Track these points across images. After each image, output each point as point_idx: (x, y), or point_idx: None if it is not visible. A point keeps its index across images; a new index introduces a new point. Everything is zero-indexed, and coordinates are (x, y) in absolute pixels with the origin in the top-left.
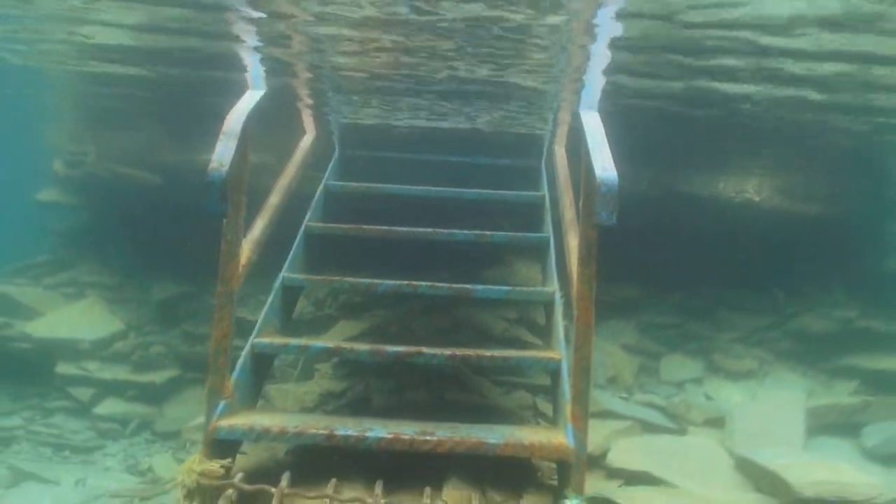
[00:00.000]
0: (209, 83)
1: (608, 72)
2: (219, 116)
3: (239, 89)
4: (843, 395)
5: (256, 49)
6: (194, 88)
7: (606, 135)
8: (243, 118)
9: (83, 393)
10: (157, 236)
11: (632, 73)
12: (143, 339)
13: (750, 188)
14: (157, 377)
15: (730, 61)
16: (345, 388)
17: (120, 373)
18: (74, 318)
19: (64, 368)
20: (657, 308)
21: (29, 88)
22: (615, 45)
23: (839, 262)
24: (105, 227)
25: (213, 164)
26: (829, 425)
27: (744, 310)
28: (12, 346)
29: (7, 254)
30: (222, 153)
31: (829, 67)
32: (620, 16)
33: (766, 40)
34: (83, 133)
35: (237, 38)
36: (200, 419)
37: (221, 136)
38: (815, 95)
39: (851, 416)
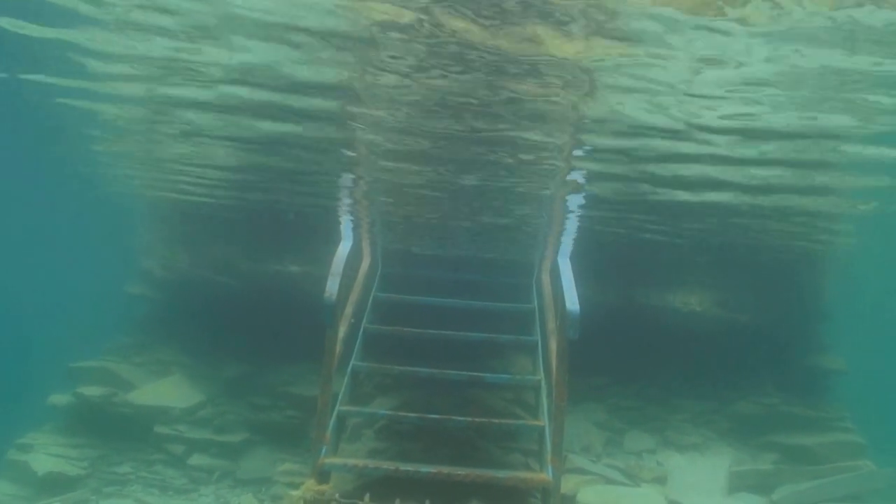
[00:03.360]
0: (288, 219)
1: (579, 229)
2: (288, 240)
3: (309, 225)
4: (764, 463)
5: (349, 210)
6: (274, 218)
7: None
8: (343, 262)
9: (176, 448)
10: (227, 327)
11: (598, 224)
12: (219, 409)
13: (693, 300)
14: (233, 438)
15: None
16: (385, 447)
17: (204, 433)
18: (166, 390)
19: (161, 429)
20: (623, 394)
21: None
22: (582, 220)
23: (767, 359)
24: (185, 318)
25: (327, 294)
26: (750, 485)
27: (691, 397)
28: (118, 410)
29: (91, 335)
30: (332, 286)
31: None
32: (586, 199)
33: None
34: (174, 240)
35: (335, 202)
36: (284, 466)
37: (330, 276)
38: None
39: (767, 479)
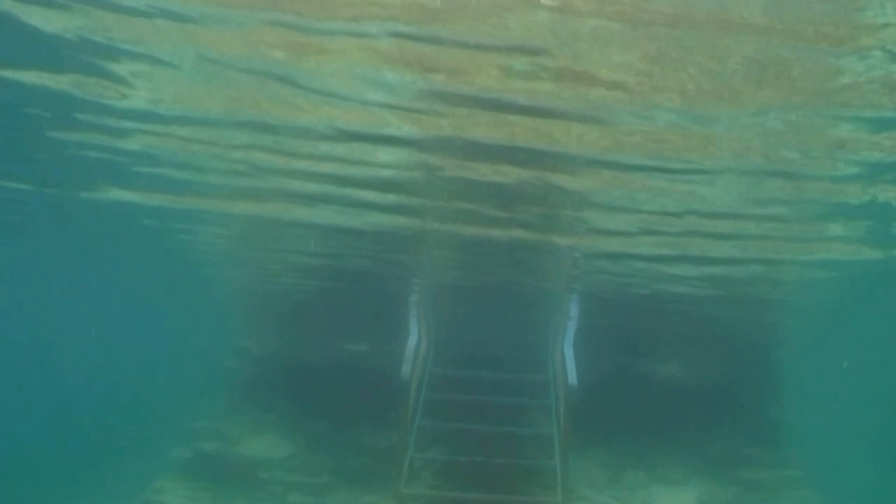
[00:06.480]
0: (361, 306)
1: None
2: (358, 324)
3: (375, 313)
4: (727, 493)
5: (415, 312)
6: (347, 307)
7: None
8: (413, 351)
9: (277, 489)
10: (309, 393)
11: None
12: (307, 457)
13: (673, 367)
14: (320, 480)
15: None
16: (441, 483)
17: (297, 477)
18: (264, 444)
19: (263, 474)
20: (622, 441)
21: (230, 291)
22: (580, 323)
23: (731, 412)
24: (276, 386)
25: (403, 374)
26: None
27: (675, 442)
28: (228, 460)
29: (201, 402)
30: (406, 369)
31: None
32: (581, 305)
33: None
34: (268, 324)
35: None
36: (367, 498)
37: (405, 361)
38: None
39: None
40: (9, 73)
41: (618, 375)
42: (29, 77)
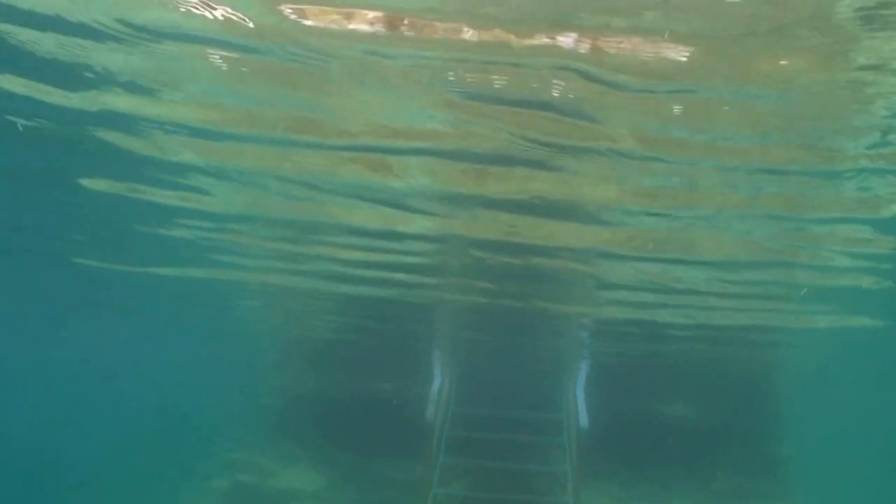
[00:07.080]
0: (389, 350)
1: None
2: (382, 366)
3: (398, 356)
4: None
5: (438, 357)
6: (374, 350)
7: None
8: (437, 394)
9: None
10: (339, 428)
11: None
12: (336, 490)
13: (679, 407)
14: None
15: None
16: None
17: None
18: (296, 476)
19: None
20: (631, 475)
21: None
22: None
23: (735, 448)
24: (308, 422)
25: (428, 413)
26: None
27: (682, 477)
28: (263, 492)
29: (238, 436)
30: (430, 411)
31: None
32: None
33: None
34: (303, 364)
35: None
36: None
37: (429, 403)
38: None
39: None
40: None
41: (628, 414)
42: None
